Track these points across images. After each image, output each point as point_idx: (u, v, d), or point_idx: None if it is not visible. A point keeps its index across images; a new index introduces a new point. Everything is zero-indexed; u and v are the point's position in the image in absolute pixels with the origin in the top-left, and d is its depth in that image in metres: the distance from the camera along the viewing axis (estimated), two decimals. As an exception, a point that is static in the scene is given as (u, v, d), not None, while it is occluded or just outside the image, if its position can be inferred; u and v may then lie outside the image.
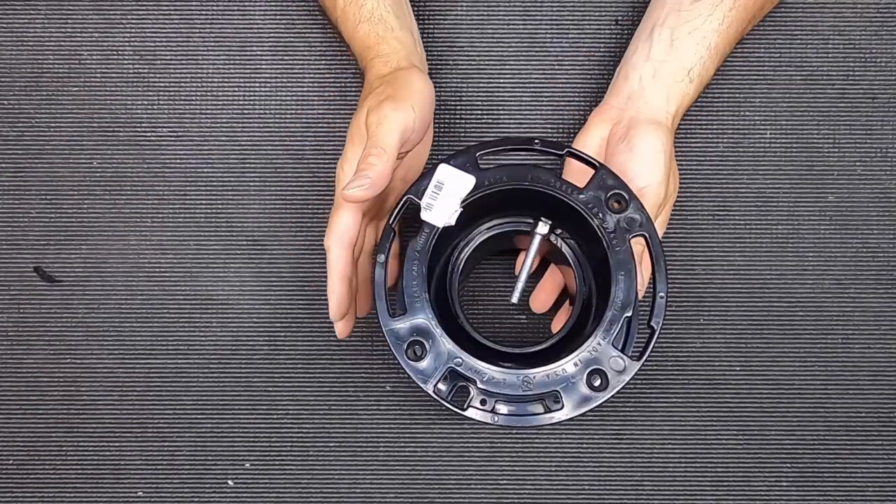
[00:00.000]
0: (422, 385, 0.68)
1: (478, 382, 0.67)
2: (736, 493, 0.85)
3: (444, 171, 0.70)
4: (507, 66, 0.87)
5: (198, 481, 0.85)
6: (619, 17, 0.87)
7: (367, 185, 0.67)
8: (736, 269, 0.86)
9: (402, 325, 0.68)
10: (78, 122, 0.87)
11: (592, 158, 0.70)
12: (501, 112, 0.87)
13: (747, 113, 0.87)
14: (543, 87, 0.87)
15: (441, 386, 0.68)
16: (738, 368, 0.86)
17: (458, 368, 0.68)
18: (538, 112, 0.86)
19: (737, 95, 0.87)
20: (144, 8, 0.87)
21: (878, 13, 0.87)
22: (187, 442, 0.86)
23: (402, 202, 0.70)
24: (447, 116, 0.87)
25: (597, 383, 0.68)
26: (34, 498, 0.86)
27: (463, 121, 0.86)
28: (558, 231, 0.76)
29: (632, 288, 0.69)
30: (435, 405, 0.84)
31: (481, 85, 0.87)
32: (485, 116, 0.87)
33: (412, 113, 0.69)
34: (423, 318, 0.68)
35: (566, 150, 0.70)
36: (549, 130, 0.86)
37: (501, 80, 0.87)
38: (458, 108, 0.87)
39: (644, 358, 0.69)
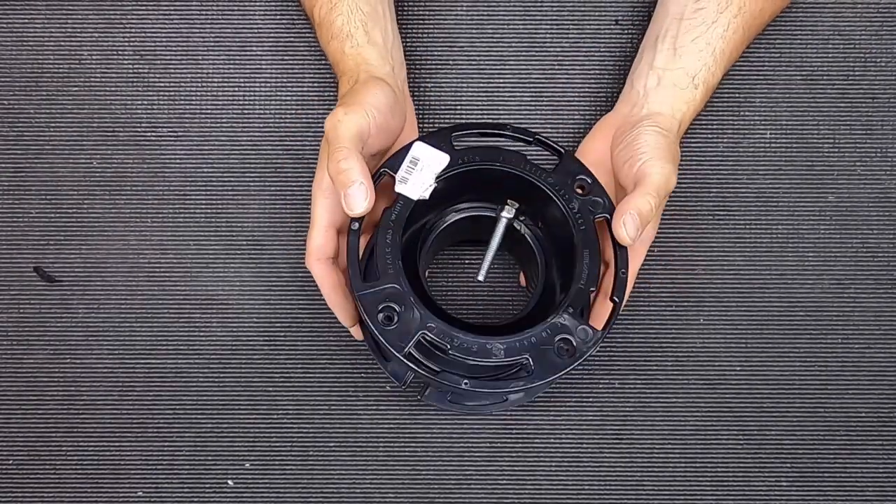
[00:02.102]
0: (394, 351, 0.68)
1: (448, 349, 0.69)
2: (736, 493, 0.85)
3: (420, 148, 0.73)
4: (507, 66, 0.87)
5: (198, 481, 0.85)
6: (619, 17, 0.87)
7: (364, 191, 0.69)
8: (736, 269, 0.86)
9: (374, 290, 0.70)
10: (78, 122, 0.87)
11: (557, 146, 0.74)
12: (501, 112, 0.87)
13: (747, 113, 0.87)
14: (543, 87, 0.87)
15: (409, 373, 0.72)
16: (738, 368, 0.86)
17: (429, 334, 0.69)
18: (538, 112, 0.87)
19: (737, 95, 0.87)
20: (144, 8, 0.87)
21: (878, 13, 0.87)
22: (187, 442, 0.86)
23: (378, 174, 0.72)
24: (447, 116, 0.87)
25: (565, 351, 0.70)
26: (34, 498, 0.86)
27: (463, 120, 0.86)
28: (522, 218, 0.78)
29: (595, 263, 0.72)
30: (434, 406, 0.84)
31: (481, 85, 0.87)
32: (485, 116, 0.87)
33: (366, 116, 0.71)
34: (396, 284, 0.70)
35: (535, 137, 0.74)
36: (549, 130, 0.86)
37: (501, 80, 0.87)
38: (458, 108, 0.87)
39: (607, 328, 0.71)
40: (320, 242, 0.74)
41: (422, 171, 0.72)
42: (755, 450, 0.85)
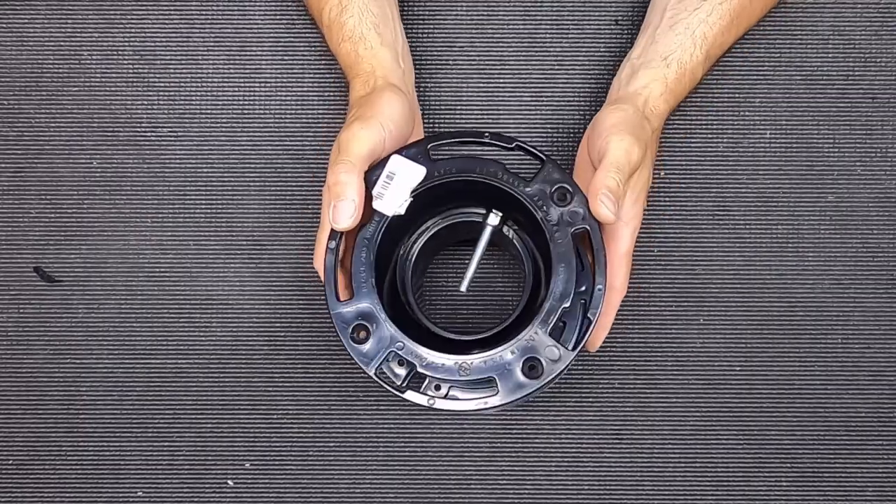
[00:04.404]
0: (363, 367, 0.70)
1: (417, 366, 0.70)
2: (736, 493, 0.85)
3: (396, 162, 0.72)
4: (507, 66, 0.87)
5: (198, 481, 0.85)
6: (619, 17, 0.87)
7: (353, 209, 0.69)
8: (736, 269, 0.86)
9: (348, 309, 0.71)
10: (78, 122, 0.87)
11: (539, 152, 0.72)
12: (501, 112, 0.87)
13: (747, 113, 0.87)
14: (543, 87, 0.87)
15: (398, 370, 0.71)
16: (738, 368, 0.86)
17: (399, 352, 0.70)
18: (538, 112, 0.86)
19: (737, 95, 0.87)
20: (144, 8, 0.87)
21: (878, 13, 0.87)
22: (187, 442, 0.86)
23: None
24: (447, 116, 0.87)
25: (532, 371, 0.69)
26: (34, 498, 0.86)
27: (463, 121, 0.86)
28: (509, 223, 0.77)
29: (570, 280, 0.70)
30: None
31: (481, 85, 0.87)
32: (485, 116, 0.87)
33: (382, 131, 0.71)
34: (369, 303, 0.71)
35: (515, 143, 0.73)
36: (549, 130, 0.86)
37: (501, 80, 0.87)
38: (458, 108, 0.87)
39: (579, 348, 0.70)
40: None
41: (398, 187, 0.71)
42: (755, 450, 0.85)
